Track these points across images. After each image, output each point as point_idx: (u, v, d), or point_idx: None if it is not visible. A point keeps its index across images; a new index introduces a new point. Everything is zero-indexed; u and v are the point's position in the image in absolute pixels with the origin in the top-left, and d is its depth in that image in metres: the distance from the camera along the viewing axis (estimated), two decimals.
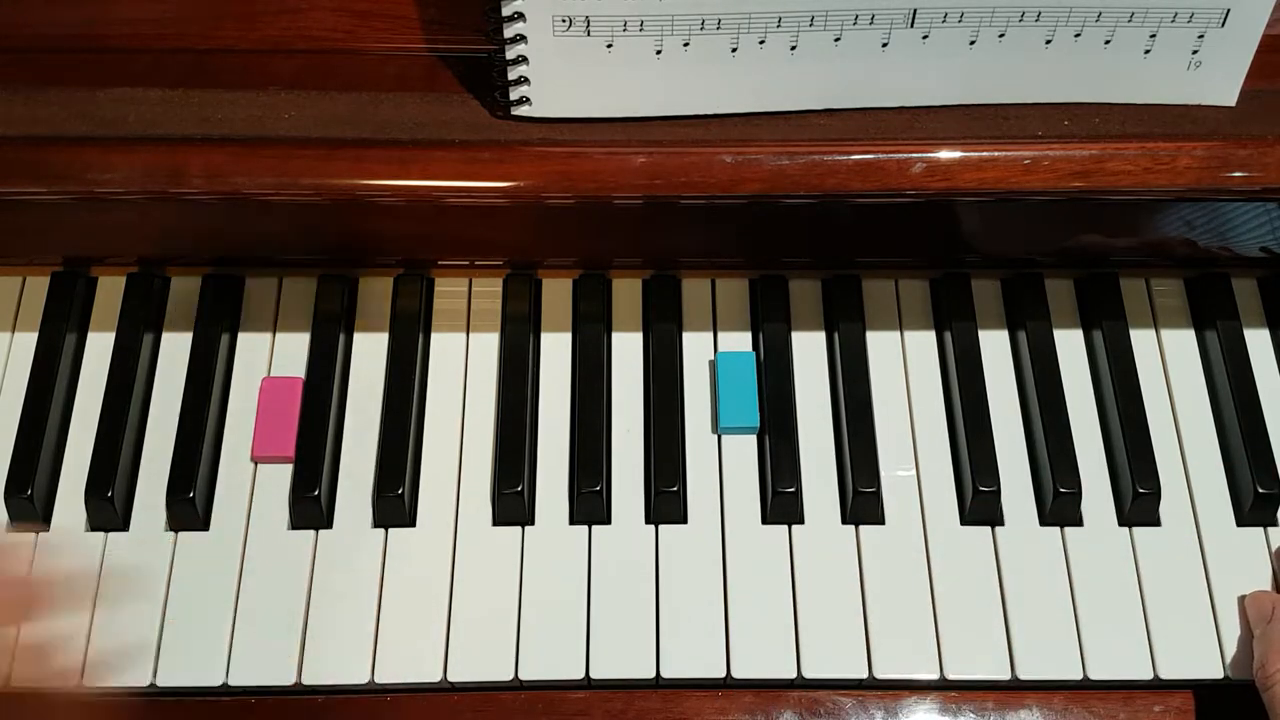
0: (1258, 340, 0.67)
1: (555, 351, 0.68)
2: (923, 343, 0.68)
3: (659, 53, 0.54)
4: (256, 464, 0.64)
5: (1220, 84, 0.55)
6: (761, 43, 0.54)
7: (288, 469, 0.64)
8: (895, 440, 0.65)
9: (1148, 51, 0.54)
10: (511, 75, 0.56)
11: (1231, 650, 0.59)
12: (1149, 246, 0.66)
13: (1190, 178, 0.54)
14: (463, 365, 0.67)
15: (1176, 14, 0.52)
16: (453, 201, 0.58)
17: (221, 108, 0.60)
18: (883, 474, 0.63)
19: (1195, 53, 0.54)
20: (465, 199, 0.57)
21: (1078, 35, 0.53)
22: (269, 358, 0.67)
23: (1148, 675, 0.59)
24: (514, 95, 0.57)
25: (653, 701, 0.59)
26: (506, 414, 0.65)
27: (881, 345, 0.68)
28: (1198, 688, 0.59)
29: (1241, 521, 0.62)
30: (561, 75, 0.55)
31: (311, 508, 0.62)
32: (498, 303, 0.68)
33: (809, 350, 0.68)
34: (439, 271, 0.69)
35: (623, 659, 0.59)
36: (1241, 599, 0.60)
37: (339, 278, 0.68)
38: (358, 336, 0.68)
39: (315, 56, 0.62)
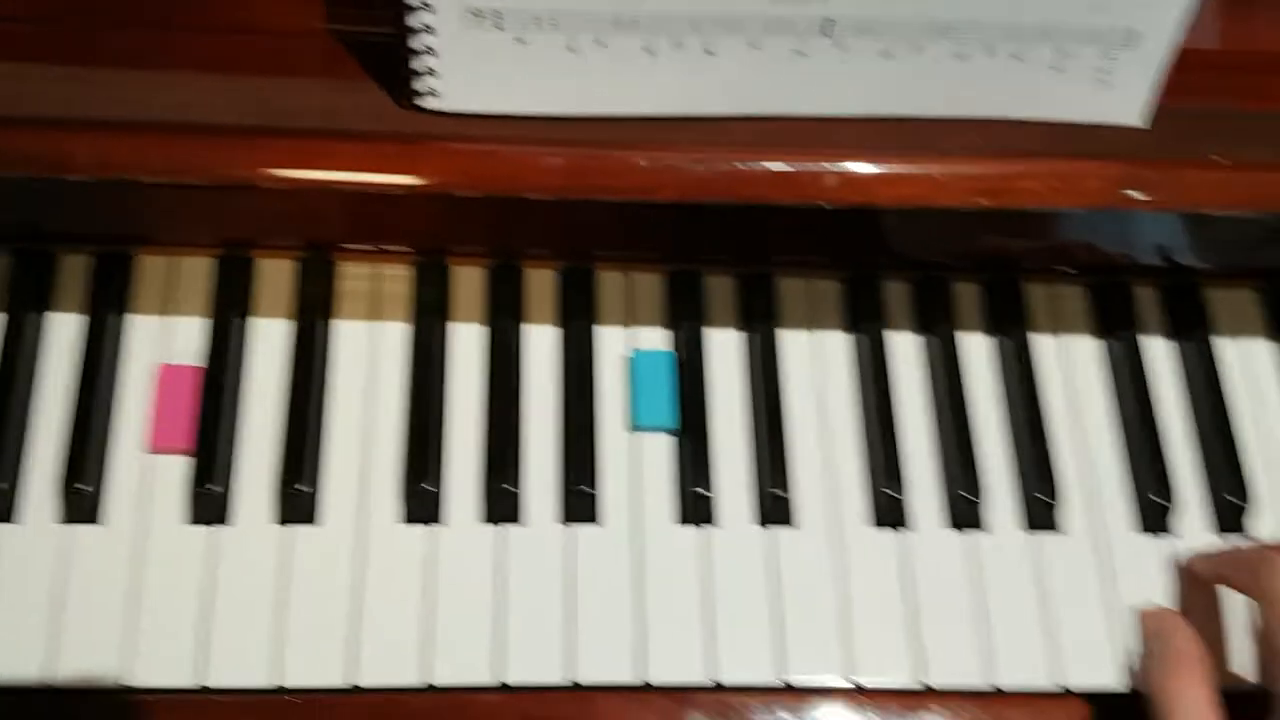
0: (1157, 348, 0.69)
1: (466, 343, 0.66)
2: (834, 343, 0.68)
3: (573, 51, 0.53)
4: (151, 455, 0.62)
5: (1129, 103, 0.56)
6: (679, 45, 0.53)
7: (185, 461, 0.62)
8: (808, 441, 0.65)
9: (1058, 69, 0.54)
10: (418, 66, 0.54)
11: (1135, 661, 0.61)
12: (1055, 255, 0.67)
13: (1097, 198, 0.55)
14: (368, 355, 0.65)
15: (1087, 33, 0.53)
16: (355, 194, 0.56)
17: (114, 89, 0.57)
18: (796, 475, 0.64)
19: (1105, 72, 0.54)
20: (368, 192, 0.56)
21: (990, 51, 0.53)
22: (162, 342, 0.65)
23: (1053, 683, 0.60)
24: (421, 87, 0.55)
25: (567, 706, 0.59)
26: (416, 407, 0.63)
27: (795, 345, 0.68)
28: (1104, 697, 0.60)
29: (1144, 529, 0.64)
30: (471, 69, 0.54)
31: (210, 502, 0.61)
32: (406, 290, 0.67)
33: (724, 348, 0.67)
34: (343, 256, 0.67)
35: (537, 662, 0.59)
36: (1139, 613, 0.61)
37: (237, 259, 0.66)
38: (258, 322, 0.66)
39: (215, 38, 0.59)
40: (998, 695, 0.60)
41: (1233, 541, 0.63)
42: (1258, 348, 0.69)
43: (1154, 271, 0.69)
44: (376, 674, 0.58)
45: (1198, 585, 0.62)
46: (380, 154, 0.55)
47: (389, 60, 0.56)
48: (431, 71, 0.54)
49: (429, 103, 0.55)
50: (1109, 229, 0.63)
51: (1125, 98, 0.56)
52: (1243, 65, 0.61)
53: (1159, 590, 0.62)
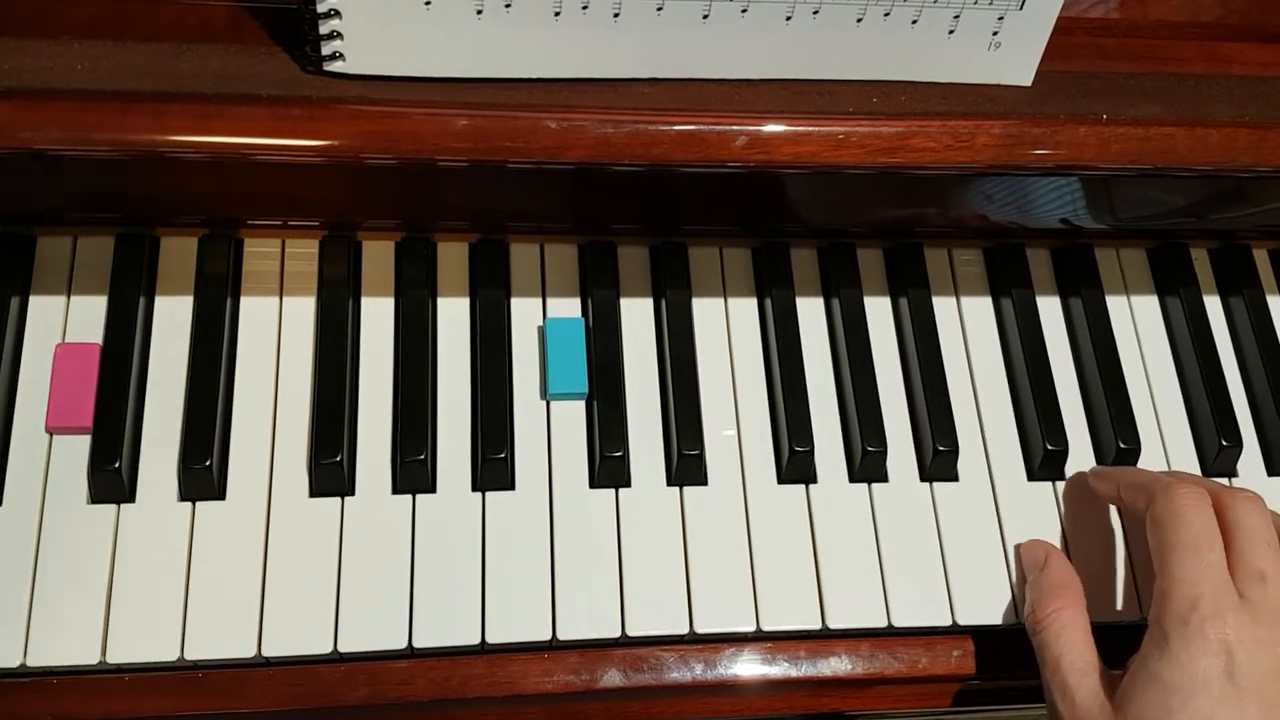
0: (1049, 306, 0.72)
1: (377, 317, 0.66)
2: (745, 309, 0.70)
3: (480, 12, 0.53)
4: (51, 435, 0.61)
5: (1018, 64, 0.58)
6: (584, 8, 0.53)
7: (86, 440, 0.60)
8: (718, 403, 0.67)
9: (951, 32, 0.56)
10: (323, 29, 0.53)
11: (1020, 598, 0.63)
12: (952, 218, 0.69)
13: (989, 155, 0.57)
14: (276, 331, 0.65)
15: None
16: (261, 159, 0.55)
17: (8, 56, 0.55)
18: (706, 436, 0.65)
19: (995, 34, 0.57)
20: (274, 157, 0.55)
21: (887, 14, 0.55)
22: (63, 322, 0.63)
23: (947, 622, 0.63)
24: (326, 50, 0.54)
25: (477, 668, 0.60)
26: (324, 381, 0.63)
27: (706, 311, 0.69)
28: (993, 633, 0.63)
29: (1032, 477, 0.67)
30: (377, 31, 0.53)
31: (112, 480, 0.59)
32: (313, 265, 0.66)
33: (637, 316, 0.68)
34: (249, 231, 0.66)
35: (447, 627, 0.59)
36: (1017, 547, 0.64)
37: (138, 236, 0.64)
38: (160, 300, 0.65)
39: (112, 4, 0.57)
40: (896, 634, 0.62)
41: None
42: (1145, 303, 0.72)
43: (1046, 232, 0.72)
44: (285, 645, 0.58)
45: (1091, 501, 0.65)
46: (285, 117, 0.54)
47: (294, 24, 0.56)
48: (336, 34, 0.54)
49: (336, 66, 0.55)
50: (1001, 189, 0.66)
51: (1016, 59, 0.58)
52: (1132, 30, 0.65)
53: (1049, 535, 0.65)
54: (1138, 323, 0.72)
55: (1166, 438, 0.69)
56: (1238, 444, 0.68)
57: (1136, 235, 0.73)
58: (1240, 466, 0.69)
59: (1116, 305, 0.72)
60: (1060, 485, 0.67)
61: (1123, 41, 0.63)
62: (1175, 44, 0.65)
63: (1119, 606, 0.64)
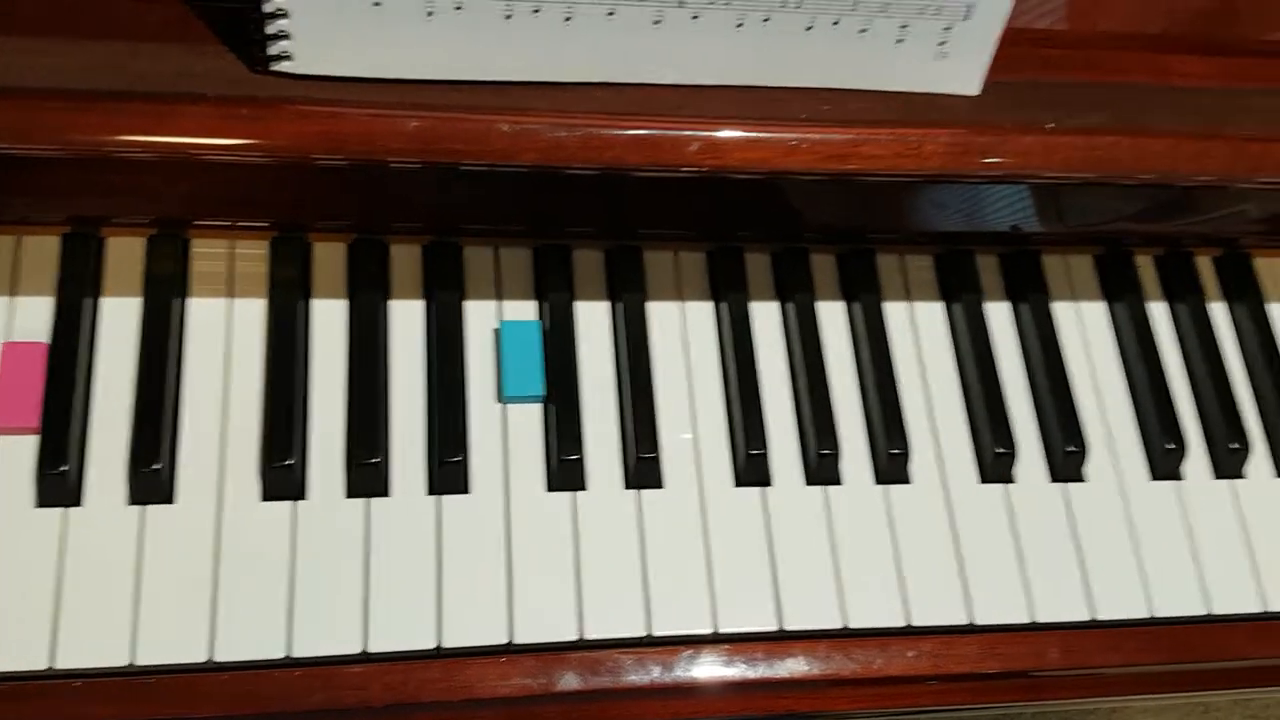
0: (999, 312, 0.73)
1: (329, 319, 0.65)
2: (701, 313, 0.70)
3: (430, 14, 0.53)
4: None
5: (965, 74, 0.59)
6: (536, 11, 0.53)
7: (33, 441, 0.59)
8: (675, 407, 0.67)
9: (900, 41, 0.57)
10: (270, 29, 0.53)
11: (976, 595, 0.64)
12: (903, 225, 0.70)
13: (936, 163, 0.58)
14: (225, 333, 0.64)
15: (926, 7, 0.56)
16: (208, 160, 0.55)
17: None
18: (662, 440, 0.65)
19: (943, 44, 0.58)
20: (220, 157, 0.54)
21: (836, 23, 0.55)
22: (9, 322, 0.62)
23: (901, 622, 0.63)
24: (273, 50, 0.54)
25: (433, 672, 0.59)
26: (275, 384, 0.62)
27: (662, 315, 0.69)
28: (942, 632, 0.64)
29: (984, 479, 0.68)
30: (325, 31, 0.53)
31: (59, 484, 0.58)
32: (264, 267, 0.65)
33: (593, 319, 0.69)
34: (197, 232, 0.66)
35: (402, 630, 0.59)
36: None
37: (85, 236, 0.64)
38: (108, 301, 0.64)
39: (63, 0, 0.57)
40: (852, 635, 0.63)
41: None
42: (1092, 309, 0.74)
43: (995, 239, 0.73)
44: (237, 649, 0.57)
45: None
46: (232, 117, 0.54)
47: (243, 23, 0.55)
48: (284, 34, 0.54)
49: (283, 66, 0.55)
50: (950, 196, 0.67)
51: (963, 69, 0.59)
52: (1077, 41, 0.66)
53: (1000, 536, 0.66)
54: (1085, 328, 0.73)
55: (1115, 440, 0.70)
56: (1181, 447, 0.69)
57: (1083, 242, 0.75)
58: (1185, 468, 0.70)
59: (1064, 311, 0.73)
60: (1012, 486, 0.67)
61: (1068, 52, 0.65)
62: (1120, 55, 0.66)
63: None
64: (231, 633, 0.57)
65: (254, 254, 0.66)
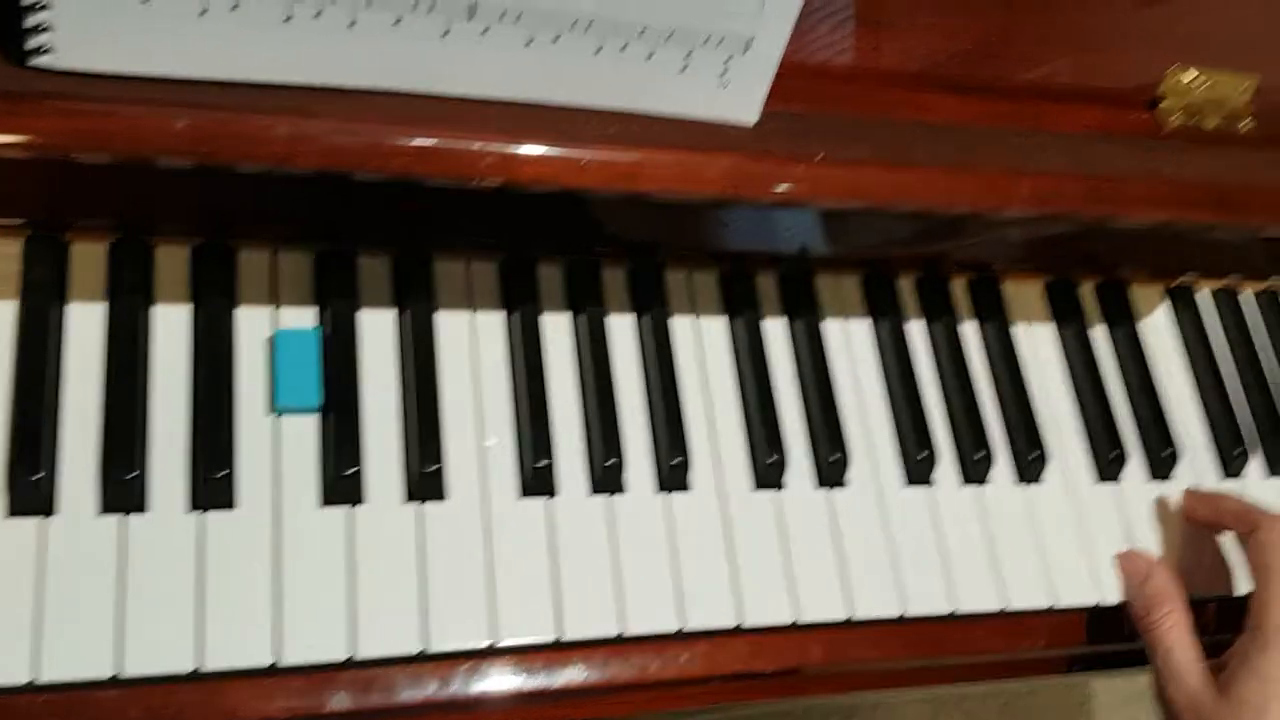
0: (775, 327, 0.76)
1: (85, 324, 0.61)
2: (491, 324, 0.70)
3: (203, 12, 0.51)
4: None
5: (744, 104, 0.62)
6: (317, 15, 0.52)
7: None
8: (461, 418, 0.66)
9: (684, 69, 0.59)
10: (29, 21, 0.49)
11: (747, 598, 0.67)
12: (688, 242, 0.73)
13: (717, 187, 0.60)
14: None
15: (708, 38, 0.58)
16: None
17: None
18: (449, 451, 0.65)
19: (723, 74, 0.60)
20: None
21: (624, 48, 0.57)
22: None
23: (675, 626, 0.65)
24: (32, 43, 0.50)
25: (194, 695, 0.57)
26: (24, 393, 0.58)
27: (452, 325, 0.69)
28: (714, 634, 0.66)
29: (757, 486, 0.71)
30: (89, 26, 0.50)
31: None
32: (16, 267, 0.61)
33: (378, 328, 0.67)
34: None
35: (159, 653, 0.56)
36: (1118, 557, 0.75)
37: None
38: None
39: None
40: (630, 641, 0.65)
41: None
42: (859, 327, 0.79)
43: (773, 259, 0.76)
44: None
45: (1192, 522, 0.78)
46: None
47: (6, 14, 0.51)
48: (44, 27, 0.50)
49: (43, 60, 0.51)
50: (730, 217, 0.69)
51: (742, 99, 0.62)
52: (849, 76, 0.70)
53: (766, 534, 0.69)
54: (851, 344, 0.78)
55: (876, 448, 0.75)
56: (932, 455, 0.75)
57: (851, 265, 0.79)
58: (936, 474, 0.76)
59: (833, 327, 0.77)
60: (783, 493, 0.71)
61: (841, 87, 0.69)
62: (886, 91, 0.71)
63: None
64: None
65: (6, 253, 0.61)
